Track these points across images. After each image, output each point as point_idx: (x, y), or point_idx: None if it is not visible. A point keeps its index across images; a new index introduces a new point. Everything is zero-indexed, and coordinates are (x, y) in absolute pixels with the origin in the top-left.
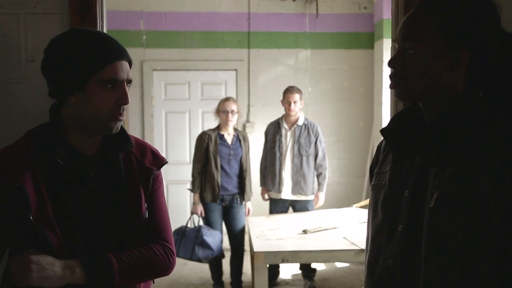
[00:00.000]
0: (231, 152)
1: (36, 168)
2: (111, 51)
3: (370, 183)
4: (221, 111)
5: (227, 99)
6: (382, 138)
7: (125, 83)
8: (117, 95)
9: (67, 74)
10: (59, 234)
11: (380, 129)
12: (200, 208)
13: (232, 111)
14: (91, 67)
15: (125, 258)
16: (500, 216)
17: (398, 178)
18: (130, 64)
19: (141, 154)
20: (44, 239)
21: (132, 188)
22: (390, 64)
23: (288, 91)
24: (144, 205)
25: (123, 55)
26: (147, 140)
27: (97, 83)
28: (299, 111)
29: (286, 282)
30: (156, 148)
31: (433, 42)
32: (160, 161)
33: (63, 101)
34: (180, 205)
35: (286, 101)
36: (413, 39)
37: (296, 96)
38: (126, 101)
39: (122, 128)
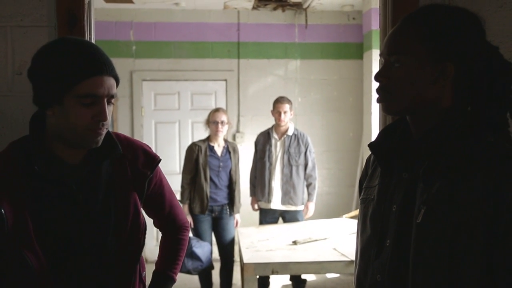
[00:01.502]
0: (221, 164)
1: (16, 182)
2: (91, 66)
3: (360, 196)
4: (211, 121)
5: (217, 109)
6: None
7: (105, 99)
8: (94, 111)
9: (46, 86)
10: (40, 256)
11: (368, 143)
12: (189, 219)
13: (222, 122)
14: (68, 80)
15: (177, 266)
16: (486, 232)
17: (387, 193)
18: (116, 79)
19: (133, 156)
20: (24, 261)
21: (127, 197)
22: (376, 78)
23: (278, 101)
24: (141, 213)
25: (103, 69)
26: None
27: (73, 97)
28: (289, 121)
29: None
30: (147, 144)
31: (417, 55)
32: (153, 161)
33: (43, 112)
34: None
35: (276, 111)
36: (398, 52)
37: (286, 106)
38: (103, 118)
39: (108, 133)
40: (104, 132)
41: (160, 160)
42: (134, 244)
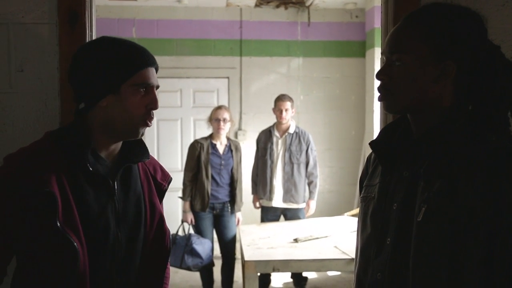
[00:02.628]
0: (222, 162)
1: (61, 173)
2: (145, 57)
3: (360, 195)
4: (213, 119)
5: (219, 107)
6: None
7: (155, 88)
8: (148, 99)
9: (102, 77)
10: (83, 240)
11: (369, 141)
12: (190, 216)
13: (224, 119)
14: (127, 70)
15: None
16: (486, 230)
17: (387, 191)
18: (157, 71)
19: (153, 168)
20: (69, 247)
21: (153, 202)
22: (377, 76)
23: (280, 99)
24: (165, 221)
25: (154, 62)
26: None
27: (131, 86)
28: (291, 119)
29: None
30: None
31: (419, 54)
32: (168, 177)
33: (93, 104)
34: (171, 212)
35: (277, 109)
36: (400, 51)
37: (288, 104)
38: (156, 106)
39: (140, 138)
40: (151, 124)
41: (172, 178)
42: (160, 248)
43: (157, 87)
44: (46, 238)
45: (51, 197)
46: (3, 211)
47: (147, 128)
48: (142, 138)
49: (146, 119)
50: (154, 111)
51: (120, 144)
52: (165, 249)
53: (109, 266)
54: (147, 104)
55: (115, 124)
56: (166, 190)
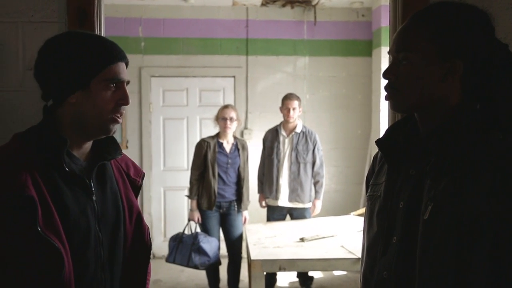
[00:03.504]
0: (229, 161)
1: (36, 175)
2: (115, 52)
3: (366, 193)
4: (220, 118)
5: (226, 106)
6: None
7: (125, 84)
8: (118, 95)
9: (70, 72)
10: (67, 246)
11: (375, 140)
12: (197, 215)
13: (230, 118)
14: (96, 65)
15: None
16: (493, 228)
17: (393, 190)
18: (127, 66)
19: (126, 164)
20: (52, 252)
21: (129, 199)
22: (384, 75)
23: (287, 97)
24: (143, 217)
25: (124, 56)
26: (145, 146)
27: (101, 81)
28: (298, 119)
29: None
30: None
31: (425, 53)
32: (140, 173)
33: (62, 101)
34: (177, 211)
35: (285, 108)
36: (406, 49)
37: (295, 103)
38: (127, 102)
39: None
40: (121, 120)
41: (144, 173)
42: (141, 245)
43: (128, 82)
44: (27, 245)
45: (29, 201)
46: None
47: (153, 126)
48: (148, 137)
49: (115, 115)
50: (125, 107)
51: (91, 142)
52: (145, 246)
53: (94, 267)
54: (118, 100)
55: (85, 121)
56: (141, 186)
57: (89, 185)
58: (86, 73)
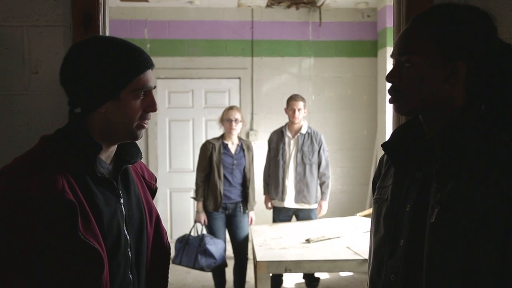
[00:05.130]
0: (234, 162)
1: (71, 179)
2: (143, 60)
3: (373, 196)
4: (225, 119)
5: (231, 107)
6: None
7: (152, 91)
8: (146, 102)
9: (101, 84)
10: (104, 249)
11: (382, 143)
12: (203, 217)
13: (236, 120)
14: (127, 76)
15: None
16: (500, 231)
17: (400, 193)
18: (152, 69)
19: (141, 168)
20: (93, 255)
21: (149, 202)
22: (387, 78)
23: (292, 98)
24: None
25: (152, 63)
26: (151, 148)
27: (131, 91)
28: (303, 119)
29: None
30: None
31: (428, 55)
32: (153, 176)
33: (92, 111)
34: (183, 213)
35: (290, 109)
36: (409, 52)
37: (300, 104)
38: (155, 108)
39: None
40: (147, 126)
41: (157, 178)
42: (161, 248)
43: (154, 87)
44: (68, 250)
45: (69, 206)
46: (22, 232)
47: (159, 128)
48: (154, 138)
49: (143, 122)
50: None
51: (116, 145)
52: (165, 248)
53: (123, 269)
54: (146, 107)
55: (115, 129)
56: (156, 189)
57: (117, 188)
58: (117, 85)
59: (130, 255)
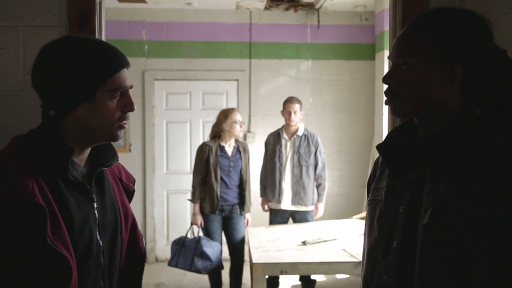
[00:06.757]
0: (231, 164)
1: (42, 182)
2: (118, 59)
3: (367, 198)
4: (233, 121)
5: (237, 110)
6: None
7: (129, 90)
8: (123, 102)
9: (74, 86)
10: (73, 256)
11: (376, 145)
12: (199, 219)
13: (243, 122)
14: (101, 76)
15: None
16: (492, 233)
17: (394, 194)
18: (128, 68)
19: (118, 169)
20: (61, 262)
21: (125, 205)
22: (384, 80)
23: (288, 101)
24: (137, 224)
25: (126, 62)
26: (148, 150)
27: (106, 92)
28: (299, 122)
29: None
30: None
31: (425, 57)
32: (131, 178)
33: (66, 114)
34: (180, 215)
35: (286, 111)
36: (406, 54)
37: (296, 106)
38: (132, 108)
39: None
40: (127, 126)
41: (135, 180)
42: (136, 253)
43: (131, 86)
44: (35, 255)
45: (38, 210)
46: None
47: (156, 130)
48: (151, 140)
49: (121, 122)
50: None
51: (90, 147)
52: (140, 253)
53: (94, 275)
54: (123, 107)
55: (91, 131)
56: (134, 191)
57: (90, 192)
58: (90, 86)
59: (102, 261)
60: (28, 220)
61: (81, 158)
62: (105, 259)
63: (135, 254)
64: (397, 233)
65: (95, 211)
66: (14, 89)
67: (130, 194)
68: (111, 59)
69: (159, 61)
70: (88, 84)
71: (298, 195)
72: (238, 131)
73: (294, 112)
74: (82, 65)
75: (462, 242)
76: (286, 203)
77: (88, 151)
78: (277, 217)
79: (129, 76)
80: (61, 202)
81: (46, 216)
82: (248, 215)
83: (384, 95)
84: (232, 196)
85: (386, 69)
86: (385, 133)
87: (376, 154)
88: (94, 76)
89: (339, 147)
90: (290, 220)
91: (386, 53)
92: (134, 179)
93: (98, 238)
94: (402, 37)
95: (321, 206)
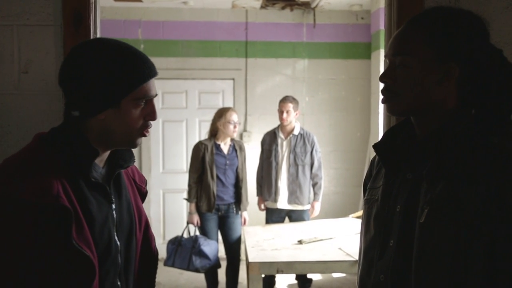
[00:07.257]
0: (227, 162)
1: (66, 183)
2: (147, 69)
3: (364, 197)
4: (228, 121)
5: (232, 109)
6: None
7: (153, 99)
8: (147, 111)
9: (102, 91)
10: (96, 256)
11: (373, 144)
12: (196, 218)
13: (238, 123)
14: (129, 85)
15: None
16: (489, 232)
17: (390, 193)
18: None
19: (131, 171)
20: (85, 262)
21: (138, 206)
22: (381, 79)
23: (281, 100)
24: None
25: (155, 72)
26: (144, 149)
27: (132, 100)
28: (295, 121)
29: None
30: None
31: (422, 56)
32: (143, 179)
33: (91, 117)
34: (176, 214)
35: (279, 110)
36: (403, 53)
37: (289, 106)
38: (154, 117)
39: None
40: (148, 134)
41: (147, 181)
42: (149, 253)
43: (155, 95)
44: (60, 256)
45: (64, 211)
46: (11, 239)
47: (152, 129)
48: (147, 139)
49: (143, 131)
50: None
51: (109, 150)
52: (153, 254)
53: (112, 276)
54: (146, 115)
55: (113, 137)
56: (146, 192)
57: (110, 193)
58: (118, 93)
59: (119, 261)
60: (54, 221)
61: (101, 159)
62: (122, 259)
63: (148, 254)
64: (394, 233)
65: (114, 212)
66: (8, 88)
67: (142, 195)
68: (141, 68)
69: (155, 60)
70: (117, 90)
71: (294, 194)
72: (232, 131)
73: (287, 112)
74: (113, 71)
75: (458, 242)
76: (282, 202)
77: (107, 153)
78: (273, 216)
79: (155, 86)
80: (83, 203)
81: (71, 217)
82: (245, 214)
83: (380, 93)
84: (228, 195)
85: (382, 68)
86: (381, 132)
87: (372, 153)
88: (123, 84)
89: (335, 146)
90: (286, 219)
91: (382, 52)
92: (146, 180)
93: (116, 238)
94: (399, 36)
95: (317, 205)
